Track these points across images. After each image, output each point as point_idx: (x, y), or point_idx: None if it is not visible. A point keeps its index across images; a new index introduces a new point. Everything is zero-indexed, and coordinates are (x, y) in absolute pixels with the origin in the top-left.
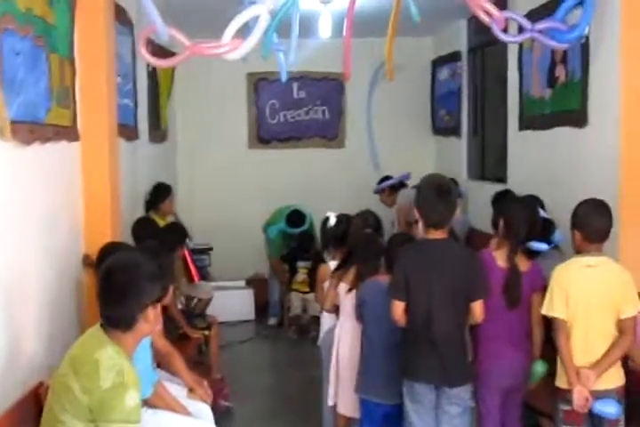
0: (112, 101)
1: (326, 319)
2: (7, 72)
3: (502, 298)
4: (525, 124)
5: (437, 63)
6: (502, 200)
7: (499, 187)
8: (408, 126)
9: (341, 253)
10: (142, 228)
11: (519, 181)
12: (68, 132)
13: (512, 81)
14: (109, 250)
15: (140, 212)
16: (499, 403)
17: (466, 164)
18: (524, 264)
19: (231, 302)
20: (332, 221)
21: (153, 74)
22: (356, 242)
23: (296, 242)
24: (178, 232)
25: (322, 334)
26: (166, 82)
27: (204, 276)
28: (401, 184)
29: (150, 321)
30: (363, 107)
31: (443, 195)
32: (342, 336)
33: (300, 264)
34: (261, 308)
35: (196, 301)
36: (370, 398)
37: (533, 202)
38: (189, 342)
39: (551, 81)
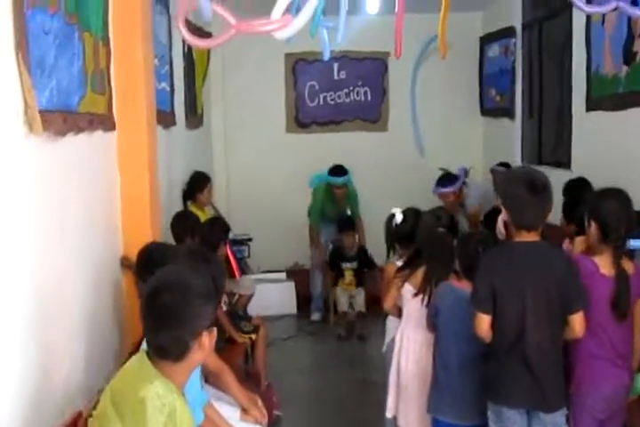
0: (150, 86)
1: (392, 323)
2: (35, 54)
3: (609, 311)
4: (594, 104)
5: (486, 40)
6: (577, 190)
7: (559, 172)
8: (454, 107)
9: (409, 252)
10: (182, 224)
11: (585, 166)
12: (104, 121)
13: (578, 58)
14: (151, 252)
15: (177, 203)
16: None
17: (520, 147)
18: (628, 268)
19: (271, 296)
20: (399, 218)
21: (189, 56)
22: (426, 240)
23: (336, 224)
24: (220, 228)
25: (387, 340)
26: (202, 64)
27: (243, 269)
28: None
29: (205, 349)
30: (406, 88)
31: (537, 193)
32: (405, 345)
33: (346, 265)
34: (303, 301)
35: (237, 297)
36: (443, 417)
37: (623, 194)
38: (235, 347)
39: (628, 57)
